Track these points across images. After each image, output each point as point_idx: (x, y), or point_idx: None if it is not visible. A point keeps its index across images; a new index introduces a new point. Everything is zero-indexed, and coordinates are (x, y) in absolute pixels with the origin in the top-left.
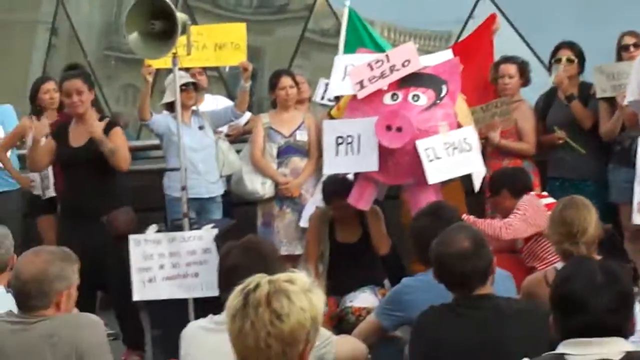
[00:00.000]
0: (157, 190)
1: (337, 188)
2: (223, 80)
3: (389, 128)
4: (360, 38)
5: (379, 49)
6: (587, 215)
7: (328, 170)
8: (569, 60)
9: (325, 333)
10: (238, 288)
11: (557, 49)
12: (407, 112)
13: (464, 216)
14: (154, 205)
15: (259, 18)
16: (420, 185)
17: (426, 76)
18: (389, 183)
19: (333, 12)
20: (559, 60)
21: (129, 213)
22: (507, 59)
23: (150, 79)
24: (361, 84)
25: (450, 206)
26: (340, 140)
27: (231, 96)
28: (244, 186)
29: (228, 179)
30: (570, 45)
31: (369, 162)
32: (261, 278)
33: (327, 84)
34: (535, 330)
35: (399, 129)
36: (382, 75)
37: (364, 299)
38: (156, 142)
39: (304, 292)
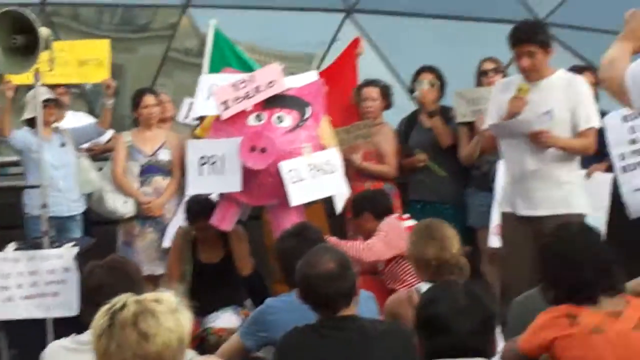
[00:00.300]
0: (16, 207)
1: (200, 208)
2: (85, 97)
3: (252, 149)
4: (225, 57)
5: (245, 68)
6: (451, 232)
7: (191, 190)
8: (430, 84)
9: (188, 353)
10: (104, 308)
11: (419, 72)
12: (271, 133)
13: (327, 237)
14: (12, 223)
15: (121, 35)
16: (283, 207)
17: (290, 98)
18: (252, 204)
19: (197, 31)
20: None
21: None
22: (369, 83)
23: (10, 94)
24: (225, 104)
25: (315, 227)
26: (203, 160)
27: (93, 113)
28: (105, 205)
29: (88, 197)
30: (432, 70)
31: (233, 183)
32: (128, 297)
33: (191, 103)
34: (400, 351)
35: (263, 150)
36: (247, 96)
37: (225, 319)
38: (15, 158)
39: (171, 312)
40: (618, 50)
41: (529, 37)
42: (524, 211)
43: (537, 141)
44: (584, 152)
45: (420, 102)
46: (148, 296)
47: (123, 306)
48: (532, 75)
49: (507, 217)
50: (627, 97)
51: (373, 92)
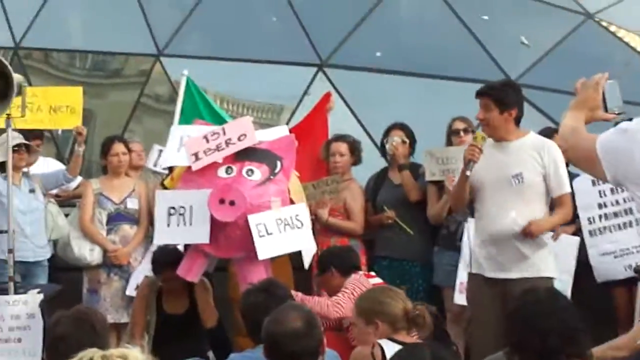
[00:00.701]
0: None
1: (167, 259)
2: (54, 142)
3: (222, 201)
4: (197, 107)
5: (216, 118)
6: (393, 295)
7: (159, 240)
8: (402, 141)
9: None
10: None
11: (389, 129)
12: (240, 186)
13: (294, 293)
14: None
15: (92, 81)
16: (250, 260)
17: (261, 151)
18: (220, 256)
19: (168, 78)
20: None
21: None
22: (338, 138)
23: None
24: (196, 156)
25: (282, 284)
26: (172, 211)
27: (61, 157)
28: (71, 252)
29: (54, 243)
30: (402, 127)
31: (200, 234)
32: (94, 353)
33: (160, 150)
34: None
35: (232, 203)
36: (218, 148)
37: None
38: None
39: None
40: (574, 120)
41: (486, 91)
42: (492, 273)
43: (529, 235)
44: (566, 222)
45: (392, 153)
46: (114, 352)
47: None
48: (487, 130)
49: (474, 279)
50: (597, 167)
51: (342, 147)
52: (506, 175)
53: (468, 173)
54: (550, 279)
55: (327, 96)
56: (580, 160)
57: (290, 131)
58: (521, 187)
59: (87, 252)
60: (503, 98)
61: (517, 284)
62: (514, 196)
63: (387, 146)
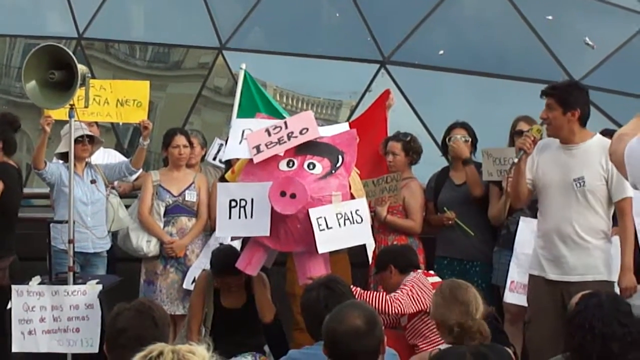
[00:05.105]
0: (41, 239)
1: (225, 262)
2: (114, 132)
3: (283, 194)
4: (254, 102)
5: (273, 113)
6: (475, 292)
7: (220, 232)
8: (464, 140)
9: None
10: (140, 354)
11: (451, 128)
12: (302, 179)
13: (352, 288)
14: (37, 255)
15: (152, 72)
16: (309, 254)
17: (323, 145)
18: (279, 250)
19: (230, 71)
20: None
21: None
22: (393, 137)
23: (48, 129)
24: (258, 149)
25: (343, 280)
26: (233, 204)
27: (121, 147)
28: (130, 242)
29: (114, 233)
30: (464, 126)
31: (261, 227)
32: (164, 347)
33: (220, 145)
34: None
35: (293, 196)
36: (280, 141)
37: None
38: (42, 190)
39: None
40: (632, 126)
41: (549, 90)
42: (552, 275)
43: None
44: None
45: (456, 150)
46: (183, 347)
47: (159, 354)
48: (550, 130)
49: (534, 280)
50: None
51: (395, 147)
52: (569, 179)
53: (515, 160)
54: (611, 282)
55: (387, 93)
56: (618, 165)
57: (350, 125)
58: (582, 191)
59: (145, 244)
60: (566, 98)
61: (578, 287)
62: (576, 199)
63: (450, 142)
